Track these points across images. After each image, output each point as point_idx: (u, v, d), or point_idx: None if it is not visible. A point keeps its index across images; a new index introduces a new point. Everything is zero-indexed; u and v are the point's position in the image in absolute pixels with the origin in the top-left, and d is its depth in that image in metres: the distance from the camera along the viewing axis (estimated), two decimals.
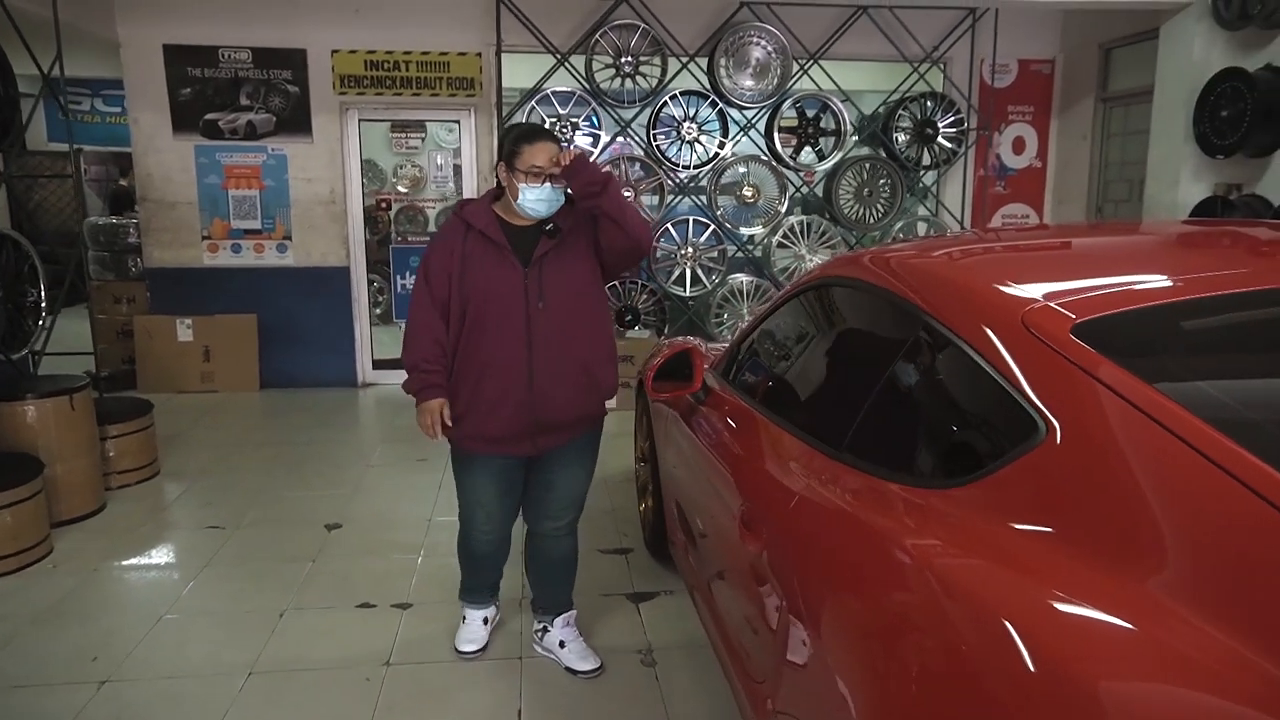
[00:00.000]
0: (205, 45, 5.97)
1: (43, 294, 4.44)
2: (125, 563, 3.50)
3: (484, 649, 2.84)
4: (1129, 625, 1.03)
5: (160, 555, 3.60)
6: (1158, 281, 1.60)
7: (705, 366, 2.57)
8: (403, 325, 6.58)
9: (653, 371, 2.52)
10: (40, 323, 4.42)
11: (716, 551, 2.27)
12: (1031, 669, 1.04)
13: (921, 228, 6.65)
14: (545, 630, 2.79)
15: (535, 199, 2.37)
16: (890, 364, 1.68)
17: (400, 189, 8.87)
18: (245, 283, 6.25)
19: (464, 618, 2.88)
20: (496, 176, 2.48)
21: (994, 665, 1.09)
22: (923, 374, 1.62)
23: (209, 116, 6.04)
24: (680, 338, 3.85)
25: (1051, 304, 1.41)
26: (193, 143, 6.07)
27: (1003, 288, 1.55)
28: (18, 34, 4.51)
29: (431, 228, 8.54)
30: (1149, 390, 1.19)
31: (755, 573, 1.84)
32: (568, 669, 2.71)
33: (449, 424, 2.44)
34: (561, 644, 2.75)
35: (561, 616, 2.78)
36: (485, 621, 2.88)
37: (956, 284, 1.65)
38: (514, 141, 2.39)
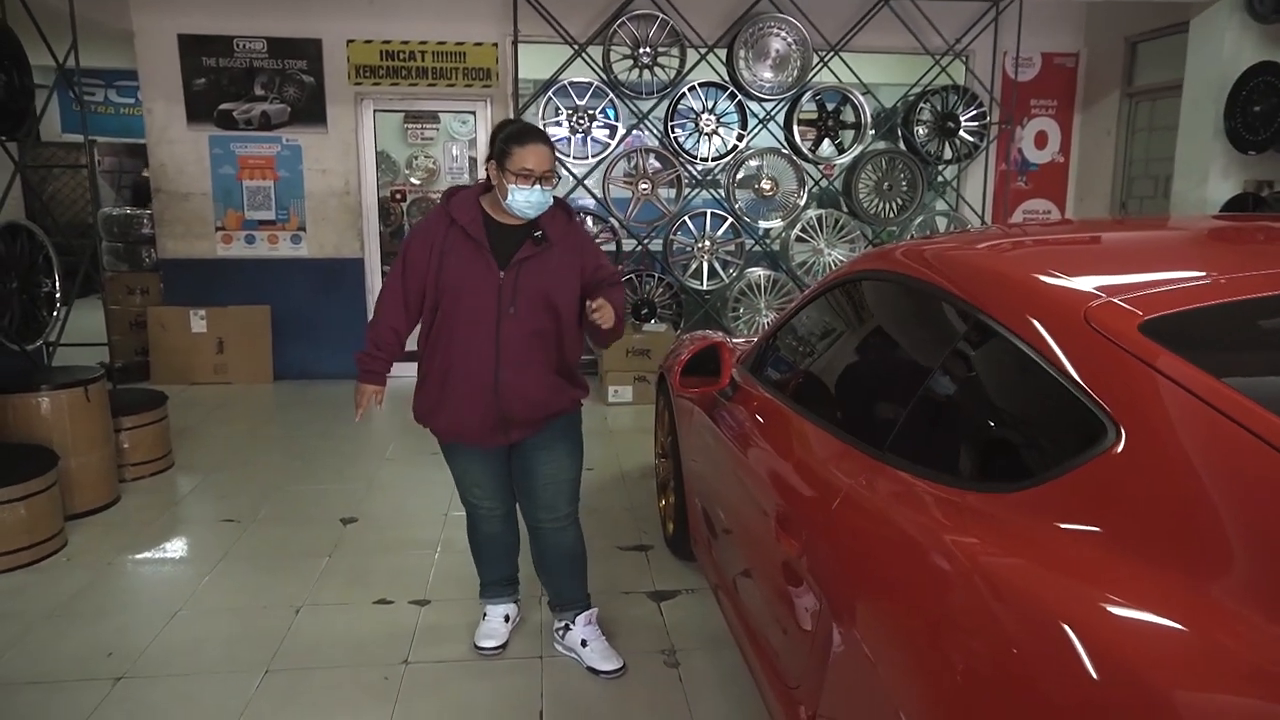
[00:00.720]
0: (220, 35, 5.93)
1: (57, 284, 4.41)
2: (139, 557, 3.46)
3: (504, 646, 2.79)
4: (1209, 635, 0.97)
5: (175, 549, 3.57)
6: (1215, 277, 1.53)
7: (733, 361, 2.51)
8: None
9: (679, 366, 2.46)
10: (54, 313, 4.39)
11: (746, 551, 2.21)
12: (1095, 677, 0.99)
13: (941, 223, 6.57)
14: (567, 628, 2.74)
15: (524, 201, 2.33)
16: (936, 362, 1.62)
17: (414, 181, 8.82)
18: (259, 274, 6.21)
19: (484, 614, 2.84)
20: (486, 171, 2.44)
21: (1059, 676, 1.03)
22: (972, 372, 1.55)
23: (223, 107, 6.00)
24: (702, 331, 3.79)
25: (1115, 300, 1.34)
26: (207, 133, 6.03)
27: (1057, 282, 1.49)
28: (34, 24, 4.47)
29: None
30: (1226, 389, 1.13)
31: (791, 574, 1.78)
32: (589, 669, 2.66)
33: (379, 406, 2.57)
34: (583, 643, 2.69)
35: (583, 615, 2.73)
36: (506, 619, 2.83)
37: (1008, 278, 1.58)
38: (505, 141, 2.34)
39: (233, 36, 5.94)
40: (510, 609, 2.85)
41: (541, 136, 2.38)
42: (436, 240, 2.40)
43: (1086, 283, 1.44)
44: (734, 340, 3.30)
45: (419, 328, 2.54)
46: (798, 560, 1.69)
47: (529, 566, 2.86)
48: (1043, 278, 1.53)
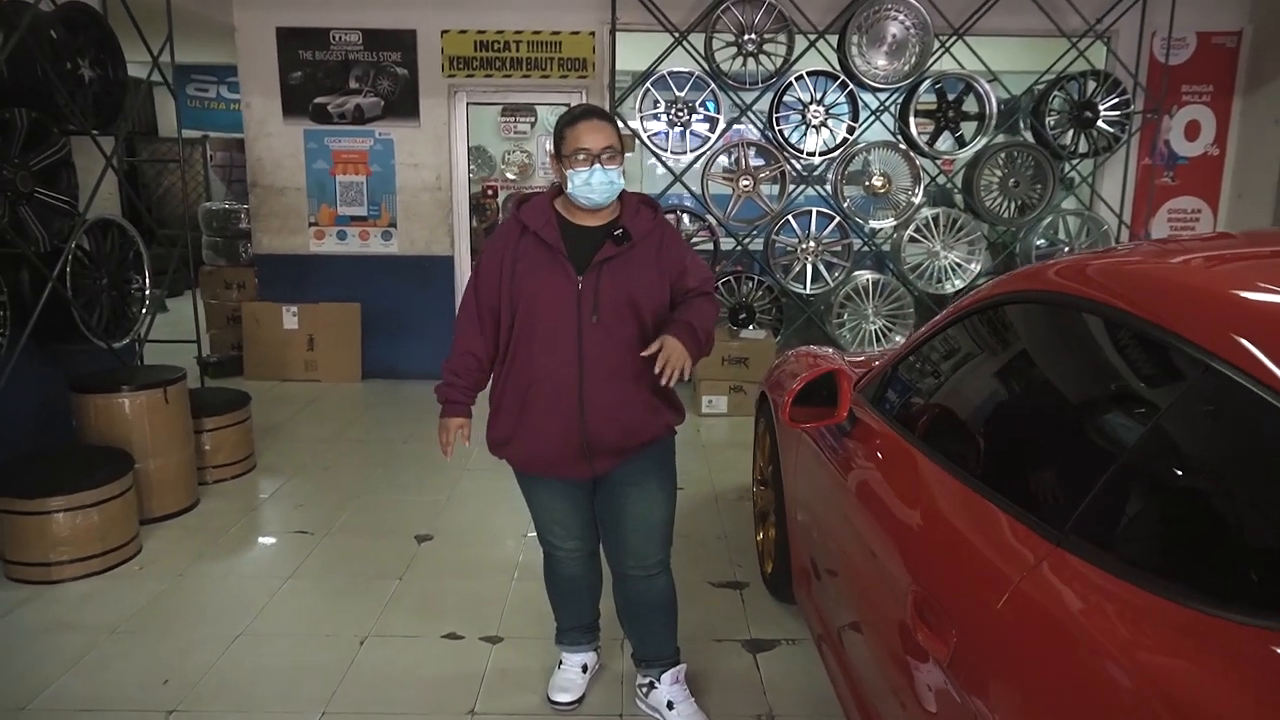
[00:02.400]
0: (317, 27, 5.84)
1: (147, 281, 4.36)
2: (210, 568, 3.33)
3: (580, 701, 2.50)
4: None
5: (246, 562, 3.43)
6: None
7: (851, 390, 2.13)
8: None
9: (790, 398, 2.10)
10: (143, 310, 4.34)
11: (865, 617, 1.84)
12: None
13: (1074, 223, 5.95)
14: (651, 686, 2.43)
15: (583, 184, 2.07)
16: (1148, 420, 1.22)
17: (509, 175, 8.68)
18: (349, 270, 6.13)
19: (560, 662, 2.55)
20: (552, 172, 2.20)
21: None
22: (1211, 439, 1.15)
23: (318, 100, 5.92)
24: (807, 348, 3.41)
25: None
26: (302, 127, 5.96)
27: None
28: (131, 20, 4.43)
29: None
30: None
31: (930, 675, 1.41)
32: None
33: (466, 444, 2.28)
34: (670, 704, 2.37)
35: (670, 672, 2.40)
36: (584, 669, 2.54)
37: (1261, 316, 1.17)
38: (560, 126, 2.13)
39: (329, 29, 5.85)
40: (589, 658, 2.56)
41: (597, 112, 2.14)
42: (509, 250, 2.15)
43: None
44: (847, 357, 2.92)
45: None
46: (943, 664, 1.32)
47: (609, 603, 2.55)
48: None
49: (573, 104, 6.07)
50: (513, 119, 7.77)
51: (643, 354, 2.05)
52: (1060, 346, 1.53)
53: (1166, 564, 1.13)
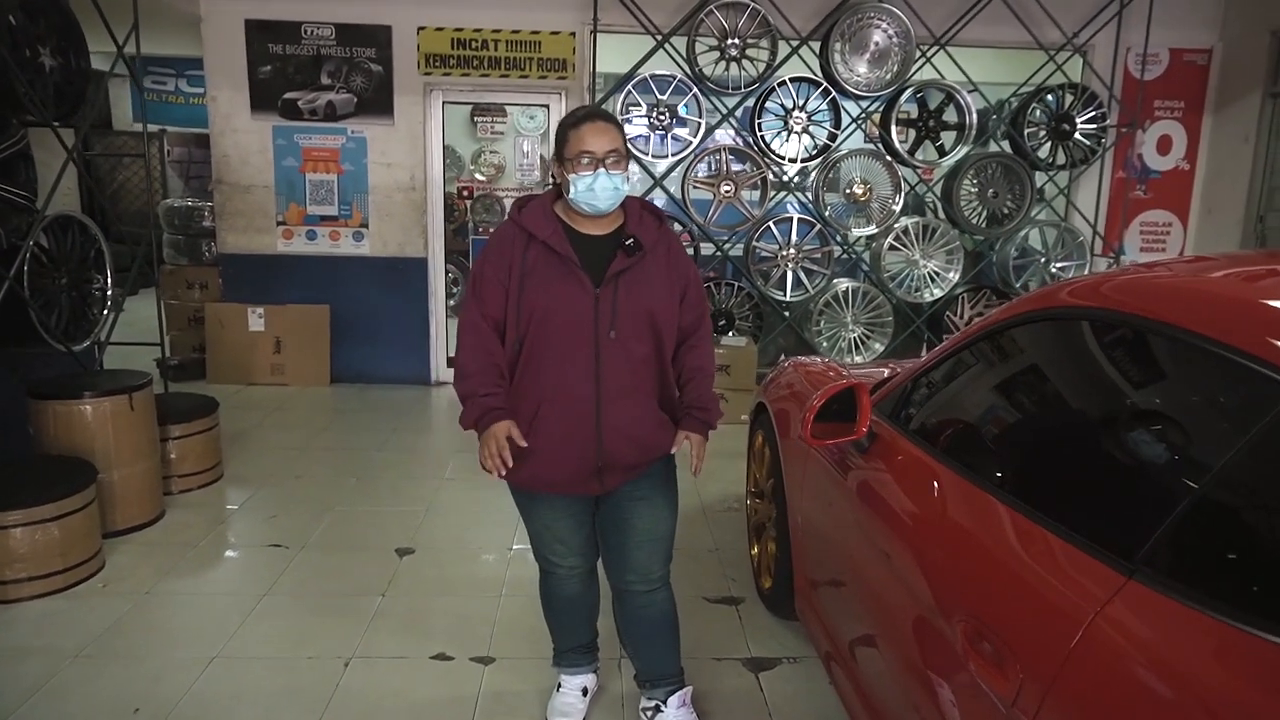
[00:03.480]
0: (288, 21, 5.66)
1: (109, 282, 4.16)
2: (179, 585, 3.15)
3: None
4: None
5: (217, 579, 3.26)
6: None
7: (871, 406, 2.06)
8: None
9: (812, 414, 2.02)
10: (105, 311, 4.14)
11: (893, 648, 1.77)
12: None
13: (1050, 235, 5.99)
14: (657, 709, 2.32)
15: (586, 189, 1.97)
16: (1231, 445, 1.16)
17: (479, 177, 8.51)
18: (319, 272, 5.94)
19: (559, 685, 2.45)
20: (552, 176, 2.11)
21: None
22: None
23: (288, 96, 5.73)
24: (802, 358, 3.34)
25: None
26: (271, 123, 5.77)
27: None
28: (95, 7, 4.22)
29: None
30: None
31: (983, 709, 1.34)
32: None
33: (522, 444, 2.00)
34: None
35: (676, 695, 2.31)
36: (584, 692, 2.43)
37: None
38: (563, 128, 2.03)
39: (301, 22, 5.67)
40: (589, 680, 2.46)
41: (602, 114, 2.04)
42: (514, 259, 2.02)
43: None
44: (851, 370, 2.86)
45: None
46: (1005, 701, 1.25)
47: (607, 622, 2.47)
48: None
49: (551, 106, 6.01)
50: (487, 119, 7.62)
51: (671, 451, 2.11)
52: (1125, 368, 1.48)
53: (1255, 596, 1.07)
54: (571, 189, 1.99)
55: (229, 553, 3.48)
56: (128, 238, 5.32)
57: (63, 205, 4.08)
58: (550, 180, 2.15)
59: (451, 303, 6.52)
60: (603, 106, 5.57)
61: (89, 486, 3.17)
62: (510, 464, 1.99)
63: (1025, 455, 1.60)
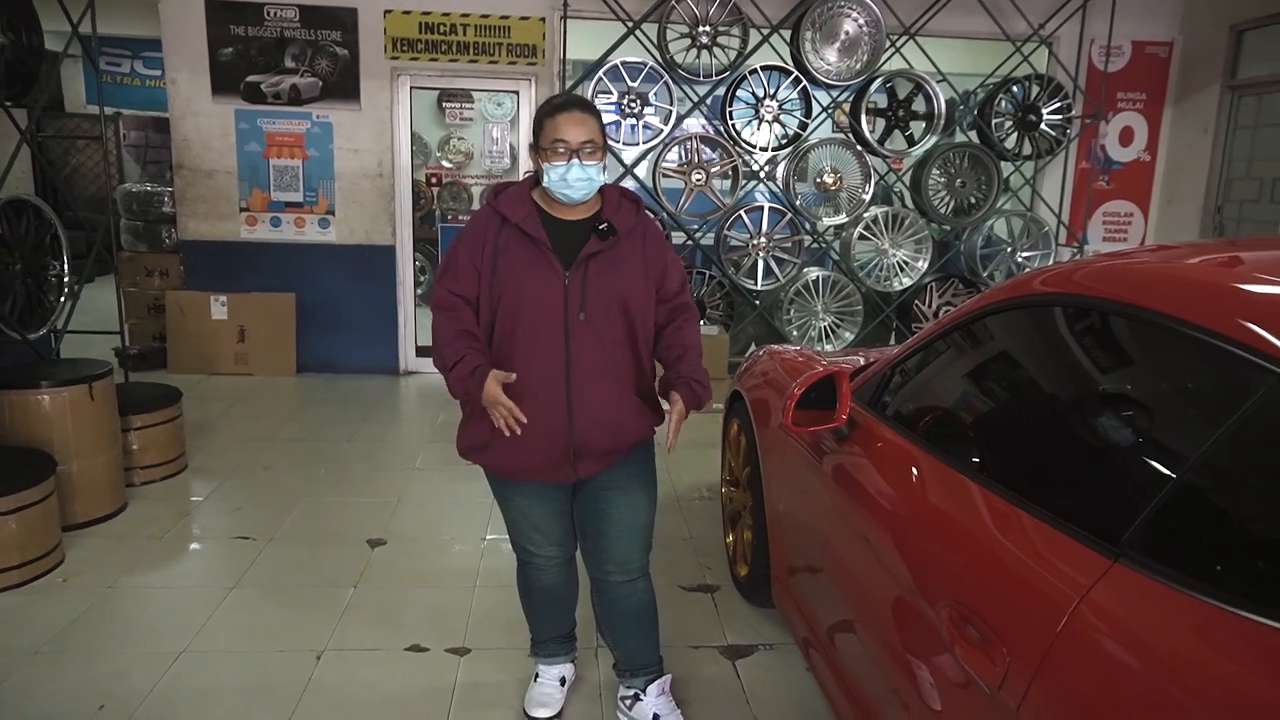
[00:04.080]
0: (250, 1, 5.52)
1: (66, 267, 4.04)
2: (143, 580, 3.08)
3: (559, 715, 2.39)
4: None
5: (183, 572, 3.18)
6: None
7: (850, 393, 2.07)
8: None
9: (793, 402, 2.02)
10: (62, 299, 4.02)
11: (873, 634, 1.78)
12: None
13: (1016, 224, 6.07)
14: (636, 698, 2.32)
15: (559, 178, 1.97)
16: (1211, 433, 1.17)
17: (445, 164, 8.40)
18: (284, 259, 5.83)
19: (536, 675, 2.43)
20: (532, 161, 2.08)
21: None
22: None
23: (251, 79, 5.60)
24: (778, 346, 3.35)
25: None
26: (233, 106, 5.63)
27: None
28: None
29: (475, 204, 8.07)
30: None
31: (968, 692, 1.35)
32: None
33: (511, 379, 1.96)
34: (656, 718, 2.28)
35: (656, 683, 2.30)
36: (562, 682, 2.42)
37: None
38: (540, 116, 2.03)
39: (263, 3, 5.53)
40: (567, 670, 2.44)
41: (579, 103, 2.04)
42: (488, 241, 2.01)
43: None
44: (826, 357, 2.87)
45: None
46: (992, 685, 1.26)
47: (585, 611, 2.47)
48: None
49: (520, 92, 5.94)
50: (456, 105, 7.52)
51: (657, 428, 2.12)
52: (1103, 354, 1.49)
53: (1240, 577, 1.08)
54: (546, 177, 1.99)
55: (194, 545, 3.41)
56: (84, 223, 5.15)
57: (16, 189, 3.95)
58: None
59: (420, 291, 6.44)
60: (573, 92, 5.53)
61: (48, 478, 3.08)
62: (524, 419, 1.93)
63: (1009, 441, 1.61)
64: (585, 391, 2.01)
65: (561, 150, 1.95)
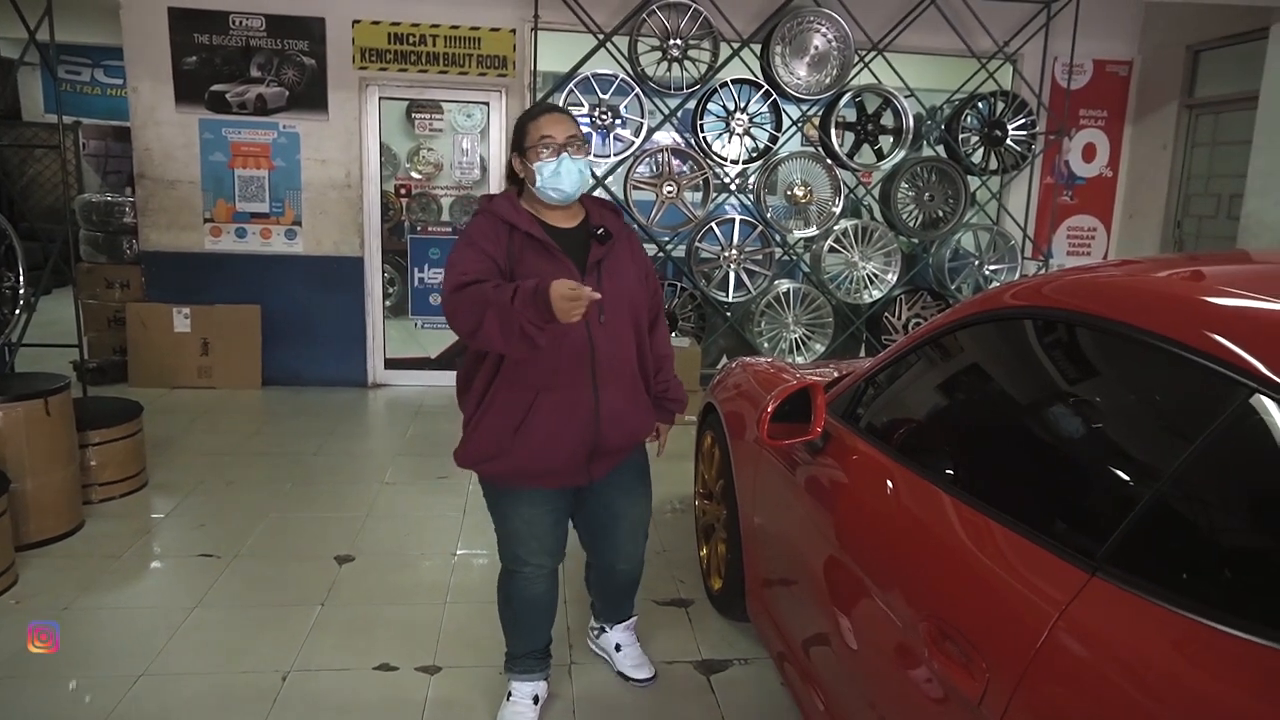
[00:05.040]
0: (214, 10, 5.44)
1: (21, 279, 3.93)
2: (101, 600, 2.99)
3: None
4: None
5: (143, 592, 3.10)
6: None
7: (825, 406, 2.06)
8: (418, 321, 6.03)
9: (768, 415, 2.01)
10: (17, 311, 3.91)
11: (850, 649, 1.77)
12: None
13: (984, 238, 6.15)
14: (602, 630, 2.64)
15: (552, 174, 2.01)
16: (1185, 447, 1.18)
17: (415, 175, 8.32)
18: (249, 270, 5.73)
19: (509, 694, 2.39)
20: (511, 173, 2.13)
21: None
22: (1258, 465, 1.12)
23: (215, 88, 5.51)
24: (754, 358, 3.35)
25: None
26: (197, 116, 5.54)
27: None
28: None
29: (445, 216, 8.02)
30: None
31: (948, 708, 1.34)
32: (619, 673, 2.58)
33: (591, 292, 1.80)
34: (618, 647, 2.59)
35: (623, 623, 2.61)
36: (535, 700, 2.39)
37: None
38: (520, 124, 2.12)
39: (228, 12, 5.46)
40: (540, 687, 2.41)
41: (557, 107, 2.18)
42: (499, 249, 2.00)
43: None
44: (801, 370, 2.87)
45: (466, 359, 2.16)
46: (972, 701, 1.25)
47: (559, 626, 2.51)
48: None
49: (491, 104, 5.92)
50: (426, 115, 7.46)
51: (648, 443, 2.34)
52: (1075, 367, 1.50)
53: (1218, 591, 1.08)
54: (537, 177, 2.02)
55: (155, 564, 3.32)
56: (41, 234, 5.02)
57: None
58: (506, 174, 2.19)
59: (389, 303, 6.37)
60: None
61: (1, 496, 2.98)
62: (592, 296, 1.77)
63: (985, 455, 1.62)
64: (609, 392, 2.08)
65: (550, 146, 2.00)
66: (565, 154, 2.00)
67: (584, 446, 2.08)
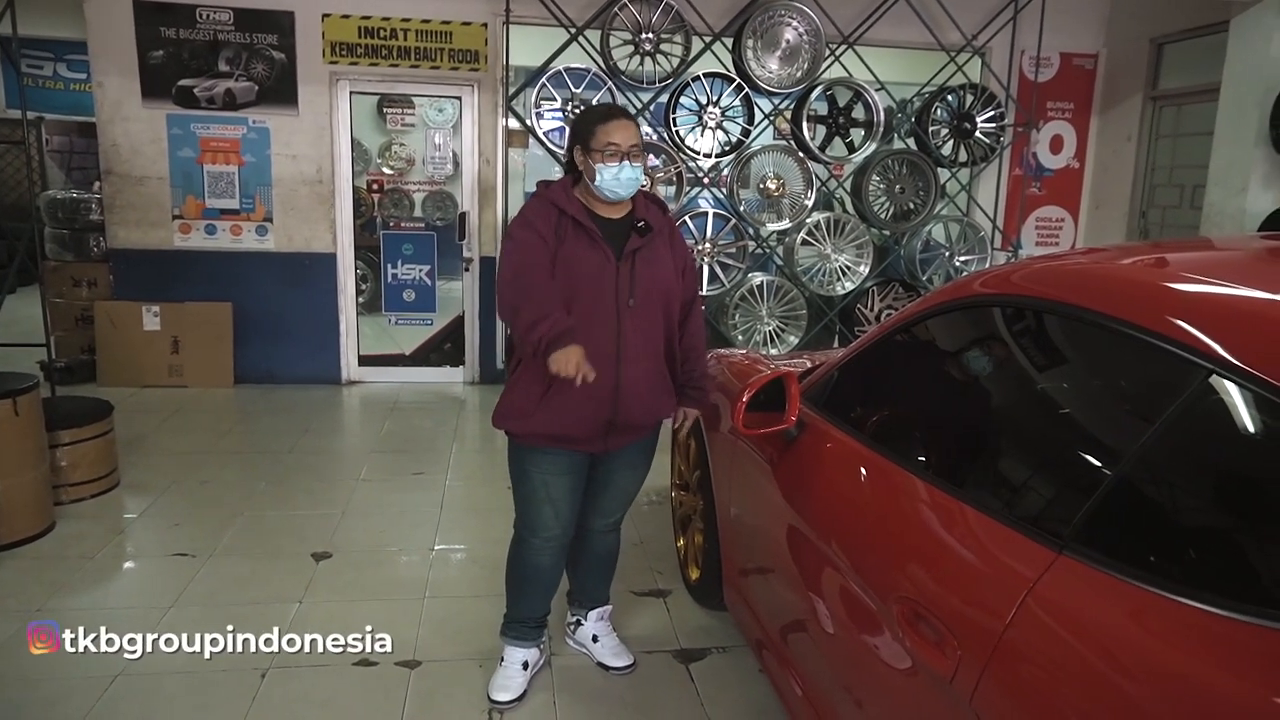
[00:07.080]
0: (181, 3, 5.37)
1: None
2: (73, 601, 2.95)
3: (521, 698, 2.44)
4: None
5: (117, 592, 3.07)
6: None
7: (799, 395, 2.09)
8: (391, 318, 5.99)
9: (743, 405, 2.04)
10: None
11: (825, 633, 1.80)
12: None
13: (954, 229, 6.23)
14: (579, 624, 2.68)
15: (613, 179, 2.19)
16: (1148, 428, 1.22)
17: (386, 170, 8.26)
18: (220, 268, 5.67)
19: (502, 659, 2.48)
20: (571, 162, 2.30)
21: None
22: (1216, 444, 1.15)
23: (183, 83, 5.44)
24: (729, 350, 3.37)
25: None
26: (165, 111, 5.47)
27: None
28: None
29: (417, 211, 7.97)
30: None
31: (921, 686, 1.38)
32: (599, 664, 2.62)
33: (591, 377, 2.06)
34: (595, 638, 2.64)
35: (596, 610, 2.65)
36: (525, 666, 2.48)
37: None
38: (588, 122, 2.25)
39: (195, 5, 5.39)
40: (531, 655, 2.51)
41: (625, 112, 2.30)
42: (549, 230, 2.19)
43: None
44: (776, 361, 2.90)
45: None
46: (945, 679, 1.28)
47: (560, 601, 2.65)
48: None
49: (463, 98, 5.89)
50: (398, 110, 7.41)
51: (674, 427, 2.49)
52: (1044, 352, 1.53)
53: (1182, 565, 1.12)
54: (597, 176, 2.18)
55: (129, 564, 3.29)
56: (6, 232, 4.94)
57: None
58: (566, 166, 2.34)
59: (361, 299, 6.32)
60: (516, 98, 5.51)
61: None
62: (591, 376, 2.02)
63: (955, 439, 1.65)
64: (631, 369, 2.22)
65: (613, 152, 2.16)
66: (626, 161, 2.16)
67: (602, 418, 2.23)
